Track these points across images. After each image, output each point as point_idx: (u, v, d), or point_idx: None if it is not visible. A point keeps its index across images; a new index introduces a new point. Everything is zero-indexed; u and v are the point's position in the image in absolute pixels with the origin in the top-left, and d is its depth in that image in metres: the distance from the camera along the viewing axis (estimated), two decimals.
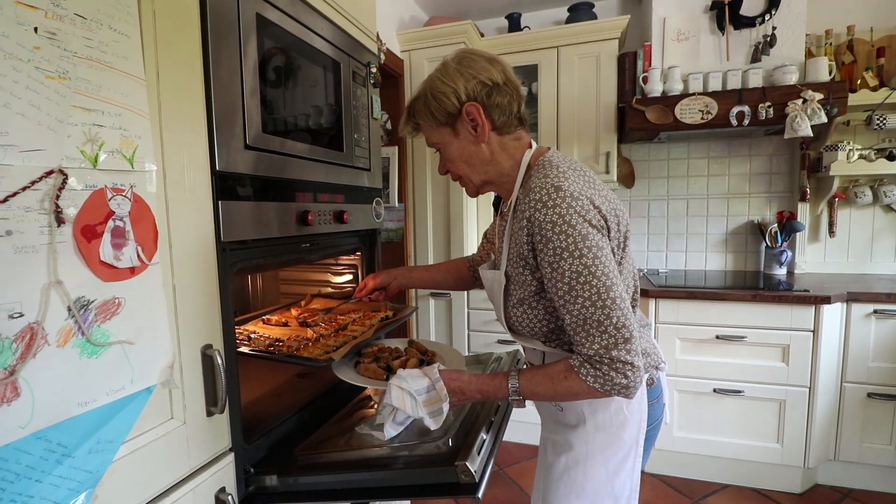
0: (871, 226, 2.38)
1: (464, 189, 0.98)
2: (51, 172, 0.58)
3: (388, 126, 2.47)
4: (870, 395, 1.97)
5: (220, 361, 0.77)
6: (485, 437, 0.87)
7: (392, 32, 2.43)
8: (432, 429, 0.82)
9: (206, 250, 0.78)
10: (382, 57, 2.15)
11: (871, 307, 1.93)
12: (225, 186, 0.81)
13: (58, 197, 0.58)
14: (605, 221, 0.79)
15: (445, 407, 0.82)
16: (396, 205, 2.45)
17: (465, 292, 2.46)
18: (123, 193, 0.66)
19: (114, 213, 0.64)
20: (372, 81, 1.33)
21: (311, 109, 1.08)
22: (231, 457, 0.84)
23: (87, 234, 0.61)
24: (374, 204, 1.33)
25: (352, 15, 1.24)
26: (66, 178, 0.59)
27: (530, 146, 0.91)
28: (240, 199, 0.84)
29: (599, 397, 0.81)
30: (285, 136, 0.97)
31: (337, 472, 0.86)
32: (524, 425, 2.45)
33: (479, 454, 0.81)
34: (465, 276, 1.25)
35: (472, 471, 0.75)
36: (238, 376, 0.86)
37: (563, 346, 0.88)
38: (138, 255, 0.67)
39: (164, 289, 0.71)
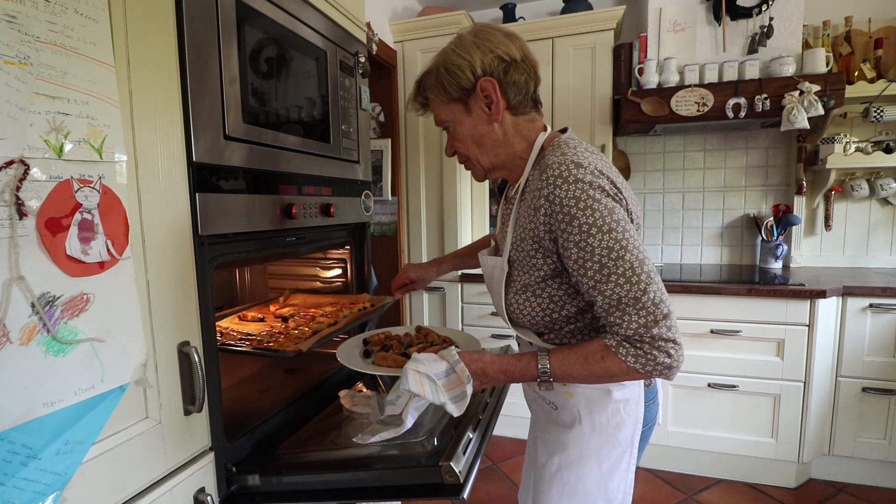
0: (867, 219, 2.36)
1: (469, 173, 0.94)
2: (11, 163, 0.55)
3: (381, 118, 2.44)
4: (864, 389, 1.96)
5: (197, 359, 0.75)
6: (471, 436, 0.85)
7: (385, 22, 2.39)
8: (455, 415, 0.76)
9: (183, 244, 0.76)
10: (374, 47, 2.10)
11: (866, 301, 1.92)
12: (203, 178, 0.78)
13: (18, 188, 0.55)
14: (626, 203, 0.76)
15: (469, 390, 0.76)
16: (389, 198, 2.42)
17: (460, 286, 2.44)
18: (91, 185, 0.63)
19: (81, 205, 0.62)
20: (360, 72, 1.30)
21: (296, 100, 1.05)
22: (211, 456, 0.82)
23: (52, 227, 0.59)
24: (363, 197, 1.30)
25: (339, 3, 1.20)
26: (28, 168, 0.57)
27: (545, 129, 0.87)
28: (219, 191, 0.81)
29: (638, 379, 0.76)
30: (268, 127, 0.94)
31: (321, 471, 0.84)
32: (519, 420, 2.44)
33: (464, 454, 0.79)
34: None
35: (457, 471, 0.74)
36: (218, 373, 0.84)
37: (561, 339, 0.85)
38: (108, 250, 0.64)
39: (136, 284, 0.68)
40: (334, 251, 1.40)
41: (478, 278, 2.40)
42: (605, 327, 0.76)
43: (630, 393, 0.86)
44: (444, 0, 2.68)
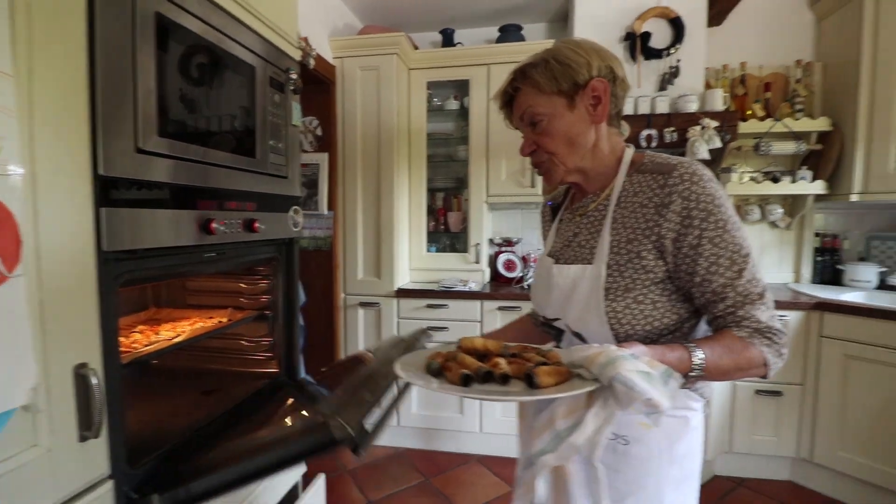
0: (759, 241, 2.67)
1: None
2: None
3: (319, 132, 2.43)
4: (757, 391, 2.20)
5: (95, 382, 0.71)
6: (367, 396, 0.81)
7: (324, 38, 2.40)
8: (666, 406, 0.61)
9: (84, 261, 0.72)
10: (312, 62, 2.11)
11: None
12: (109, 192, 0.76)
13: None
14: None
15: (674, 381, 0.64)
16: (325, 212, 2.40)
17: (395, 301, 2.46)
18: None
19: None
20: (292, 88, 1.31)
21: (219, 114, 1.04)
22: (110, 485, 0.77)
23: None
24: (291, 212, 1.30)
25: (269, 19, 1.21)
26: None
27: (630, 147, 0.89)
28: (127, 205, 0.79)
29: (762, 374, 0.74)
30: (188, 141, 0.93)
31: (222, 468, 0.82)
32: (456, 434, 2.48)
33: (356, 411, 0.77)
34: (531, 331, 1.06)
35: (343, 423, 0.72)
36: (121, 396, 0.80)
37: None
38: None
39: (28, 304, 0.65)
40: (261, 267, 1.37)
41: (414, 294, 2.42)
42: (729, 325, 0.74)
43: (700, 420, 0.83)
44: (385, 20, 2.74)
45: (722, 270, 0.74)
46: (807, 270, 2.62)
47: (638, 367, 0.62)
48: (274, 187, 1.22)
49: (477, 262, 2.63)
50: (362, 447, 0.73)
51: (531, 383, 0.66)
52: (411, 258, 2.69)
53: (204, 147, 0.97)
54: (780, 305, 2.12)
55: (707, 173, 0.76)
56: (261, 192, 1.17)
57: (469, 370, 0.70)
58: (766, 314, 0.73)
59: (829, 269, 2.57)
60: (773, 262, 2.67)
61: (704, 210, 0.73)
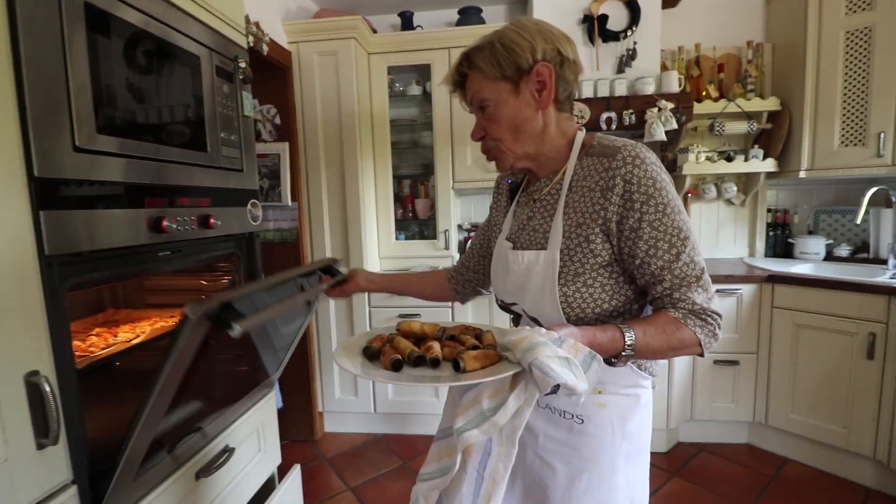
0: (716, 217, 2.78)
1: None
2: None
3: (277, 121, 2.37)
4: (716, 362, 2.32)
5: (48, 389, 0.70)
6: (237, 290, 0.76)
7: (277, 22, 2.32)
8: (582, 389, 0.63)
9: (25, 267, 0.70)
10: (265, 48, 2.05)
11: (713, 287, 2.26)
12: (48, 194, 0.73)
13: None
14: None
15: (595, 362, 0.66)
16: (289, 203, 2.36)
17: (366, 293, 2.45)
18: None
19: None
20: (241, 77, 1.27)
21: (163, 107, 1.01)
22: (73, 490, 0.77)
23: None
24: (249, 206, 1.27)
25: (212, 5, 1.16)
26: None
27: (581, 130, 0.87)
28: (69, 207, 0.76)
29: (697, 353, 0.77)
30: (130, 137, 0.90)
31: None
32: (430, 417, 2.52)
33: (218, 295, 0.71)
34: (443, 286, 1.15)
35: (199, 304, 0.66)
36: (79, 401, 0.79)
37: None
38: None
39: None
40: (223, 262, 1.35)
41: None
42: (666, 306, 0.76)
43: (650, 396, 0.87)
44: (341, 3, 2.67)
45: (660, 253, 0.75)
46: (760, 244, 2.75)
47: (557, 352, 0.63)
48: (229, 181, 1.20)
49: (446, 248, 2.65)
50: (230, 319, 0.68)
51: (457, 367, 0.70)
52: (380, 246, 2.69)
53: (150, 143, 0.94)
54: (735, 279, 2.24)
55: (650, 156, 0.77)
56: (215, 187, 1.15)
57: (402, 355, 0.74)
58: (701, 296, 0.75)
59: (780, 242, 2.71)
60: (730, 237, 2.79)
61: (645, 193, 0.74)
